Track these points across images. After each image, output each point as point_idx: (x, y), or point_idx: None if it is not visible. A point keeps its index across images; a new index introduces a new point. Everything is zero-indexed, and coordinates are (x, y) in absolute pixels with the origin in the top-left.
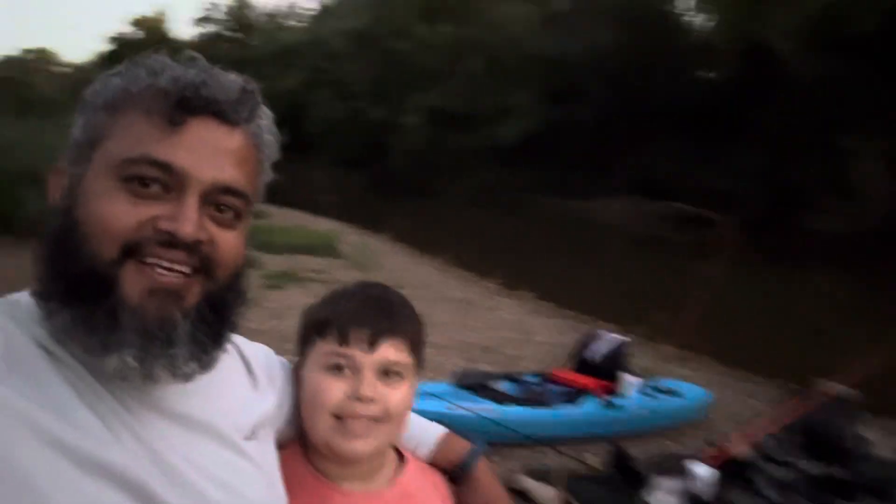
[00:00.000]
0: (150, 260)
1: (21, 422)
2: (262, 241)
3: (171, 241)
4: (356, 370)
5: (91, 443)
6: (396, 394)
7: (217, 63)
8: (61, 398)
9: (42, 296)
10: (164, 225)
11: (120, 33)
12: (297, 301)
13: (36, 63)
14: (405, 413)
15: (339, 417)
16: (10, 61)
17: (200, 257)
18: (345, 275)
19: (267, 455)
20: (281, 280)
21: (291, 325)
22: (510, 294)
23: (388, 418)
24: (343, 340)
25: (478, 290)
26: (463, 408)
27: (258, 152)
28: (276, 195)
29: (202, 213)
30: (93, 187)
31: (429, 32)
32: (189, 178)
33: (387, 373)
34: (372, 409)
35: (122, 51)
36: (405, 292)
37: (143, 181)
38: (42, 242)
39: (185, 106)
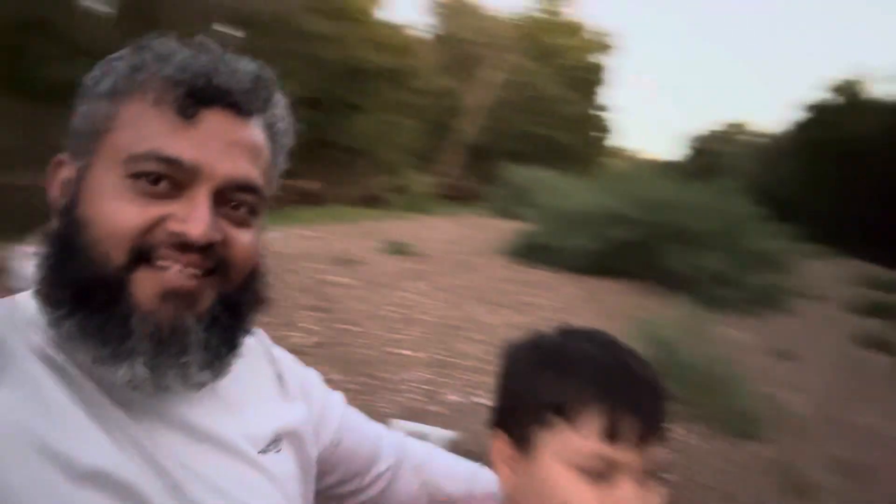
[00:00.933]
0: (161, 263)
1: (11, 431)
2: None
3: (183, 244)
4: (616, 474)
5: (87, 452)
6: (654, 501)
7: None
8: (58, 407)
9: (48, 302)
10: (175, 226)
11: (816, 100)
12: None
13: (730, 134)
14: None
15: None
16: (710, 135)
17: (214, 258)
18: None
19: (285, 468)
20: None
21: None
22: None
23: None
24: (611, 437)
25: None
26: None
27: (273, 143)
28: None
29: (216, 211)
30: (98, 184)
31: None
32: (201, 174)
33: (646, 477)
34: None
35: (820, 116)
36: None
37: (152, 178)
38: (46, 243)
39: (196, 97)
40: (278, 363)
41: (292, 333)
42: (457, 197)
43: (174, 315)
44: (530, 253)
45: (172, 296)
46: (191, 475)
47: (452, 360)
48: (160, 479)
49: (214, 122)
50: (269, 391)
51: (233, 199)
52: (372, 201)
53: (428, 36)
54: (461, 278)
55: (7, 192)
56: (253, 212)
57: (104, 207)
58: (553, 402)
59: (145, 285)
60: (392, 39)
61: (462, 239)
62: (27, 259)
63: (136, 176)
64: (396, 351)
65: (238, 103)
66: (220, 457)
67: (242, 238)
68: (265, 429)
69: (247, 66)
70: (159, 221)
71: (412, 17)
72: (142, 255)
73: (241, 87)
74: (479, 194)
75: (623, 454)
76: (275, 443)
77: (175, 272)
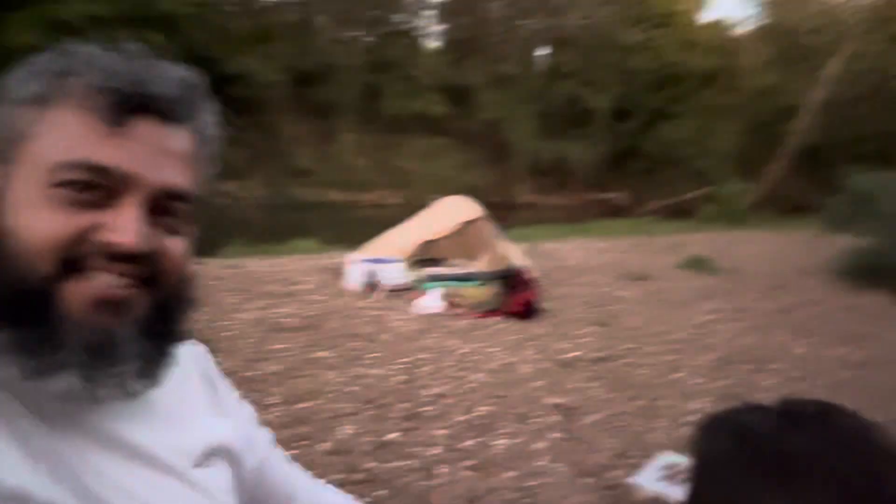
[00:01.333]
0: (92, 274)
1: None
2: None
3: (115, 254)
4: None
5: (5, 473)
6: None
7: None
8: None
9: None
10: (105, 236)
11: None
12: None
13: None
14: None
15: None
16: None
17: (147, 267)
18: None
19: (220, 483)
20: None
21: None
22: None
23: None
24: None
25: None
26: None
27: (203, 150)
28: None
29: (147, 220)
30: (21, 194)
31: None
32: (132, 182)
33: None
34: None
35: None
36: None
37: (81, 187)
38: None
39: (125, 104)
40: (215, 379)
41: (566, 345)
42: (783, 207)
43: (107, 324)
44: (867, 274)
45: (105, 304)
46: (121, 494)
47: (750, 395)
48: (85, 499)
49: (144, 129)
50: (203, 405)
51: (164, 208)
52: (682, 213)
53: (753, 30)
54: (770, 301)
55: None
56: (184, 219)
57: (29, 218)
58: None
59: (76, 295)
60: (711, 40)
61: (779, 256)
62: (355, 264)
63: (63, 185)
64: (682, 377)
65: (168, 110)
66: (152, 473)
67: (174, 246)
68: (199, 443)
69: (175, 72)
70: (88, 231)
71: (735, 12)
72: (71, 265)
73: (170, 94)
74: (811, 204)
75: None
76: (209, 458)
77: (107, 281)
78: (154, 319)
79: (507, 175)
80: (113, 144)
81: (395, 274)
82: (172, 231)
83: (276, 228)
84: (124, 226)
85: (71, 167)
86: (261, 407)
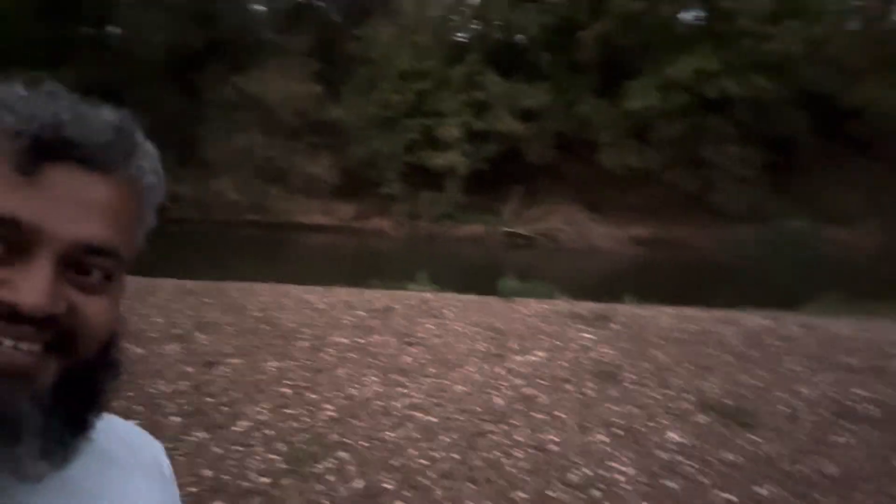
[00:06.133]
0: None
1: None
2: None
3: (14, 315)
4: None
5: None
6: None
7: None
8: None
9: None
10: (6, 295)
11: None
12: None
13: None
14: None
15: None
16: None
17: (55, 331)
18: None
19: None
20: None
21: None
22: None
23: None
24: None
25: None
26: None
27: (136, 200)
28: None
29: (61, 277)
30: None
31: None
32: (41, 236)
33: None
34: None
35: None
36: None
37: None
38: None
39: (40, 150)
40: (169, 482)
41: None
42: None
43: (3, 397)
44: None
45: (2, 376)
46: None
47: None
48: None
49: (61, 178)
50: (146, 490)
51: (82, 264)
52: None
53: None
54: None
55: None
56: (107, 276)
57: None
58: None
59: None
60: None
61: None
62: None
63: None
64: None
65: (92, 158)
66: None
67: (93, 306)
68: None
69: (105, 115)
70: None
71: None
72: None
73: (95, 140)
74: None
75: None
76: None
77: (7, 348)
78: (64, 390)
79: None
80: (22, 194)
81: None
82: (91, 291)
83: (885, 284)
84: (29, 285)
85: None
86: None
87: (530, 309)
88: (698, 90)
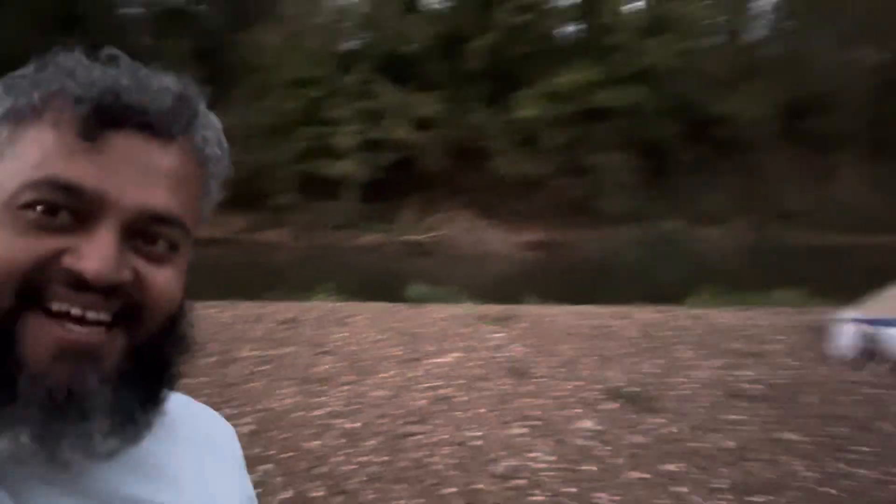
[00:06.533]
0: (56, 306)
1: None
2: None
3: (80, 282)
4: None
5: None
6: None
7: None
8: None
9: None
10: (71, 262)
11: None
12: None
13: None
14: None
15: None
16: None
17: (123, 301)
18: None
19: None
20: None
21: None
22: None
23: None
24: None
25: None
26: None
27: (201, 170)
28: None
29: (126, 245)
30: None
31: None
32: (107, 203)
33: None
34: None
35: None
36: None
37: (48, 209)
38: None
39: (101, 116)
40: (241, 466)
41: None
42: None
43: (72, 375)
44: None
45: (71, 353)
46: None
47: None
48: None
49: (124, 145)
50: (217, 471)
51: (148, 233)
52: None
53: None
54: None
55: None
56: (174, 247)
57: None
58: None
59: (38, 338)
60: None
61: None
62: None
63: (29, 206)
64: None
65: (155, 124)
66: None
67: (159, 277)
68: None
69: (167, 82)
70: (53, 257)
71: None
72: (32, 295)
73: (157, 106)
74: None
75: None
76: None
77: (74, 321)
78: (133, 365)
79: None
80: (86, 160)
81: None
82: (157, 260)
83: (756, 276)
84: (95, 252)
85: (38, 186)
86: (705, 492)
87: (440, 313)
88: (582, 100)
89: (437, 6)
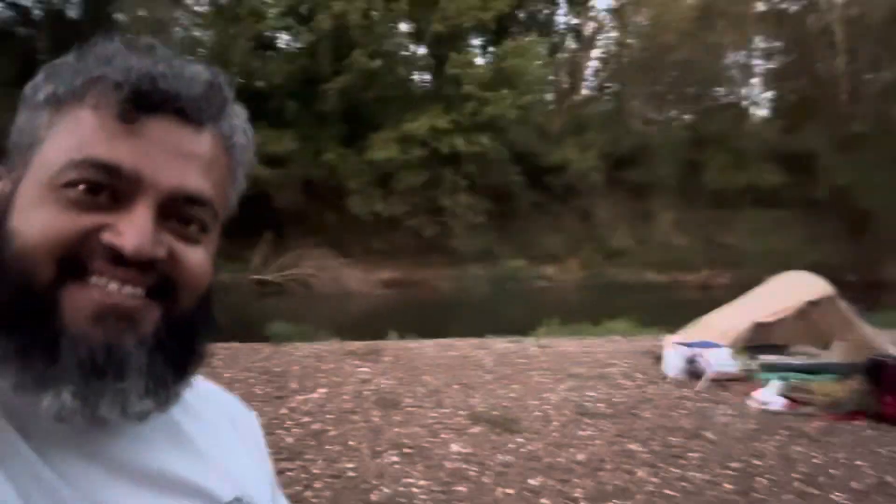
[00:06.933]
0: (94, 280)
1: None
2: None
3: (119, 257)
4: None
5: None
6: None
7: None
8: None
9: None
10: (110, 238)
11: None
12: None
13: None
14: None
15: None
16: None
17: (158, 276)
18: None
19: None
20: None
21: None
22: None
23: None
24: None
25: None
26: None
27: (228, 157)
28: None
29: (161, 225)
30: (28, 195)
31: None
32: (143, 183)
33: None
34: None
35: None
36: None
37: (88, 188)
38: None
39: (139, 101)
40: (263, 451)
41: None
42: None
43: (110, 336)
44: None
45: (109, 315)
46: None
47: None
48: None
49: (159, 129)
50: (244, 463)
51: (181, 214)
52: None
53: None
54: None
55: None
56: (204, 228)
57: (31, 218)
58: None
59: (78, 303)
60: None
61: None
62: (673, 349)
63: (70, 185)
64: None
65: (188, 110)
66: (177, 501)
67: (192, 256)
68: (230, 489)
69: (199, 71)
70: (92, 232)
71: None
72: (72, 268)
73: (190, 93)
74: None
75: None
76: (239, 498)
77: (112, 289)
78: (165, 337)
79: (866, 250)
80: (124, 142)
81: (722, 361)
82: (190, 240)
83: (592, 310)
84: (132, 229)
85: (78, 166)
86: (566, 502)
87: (304, 350)
88: (433, 145)
89: (291, 45)
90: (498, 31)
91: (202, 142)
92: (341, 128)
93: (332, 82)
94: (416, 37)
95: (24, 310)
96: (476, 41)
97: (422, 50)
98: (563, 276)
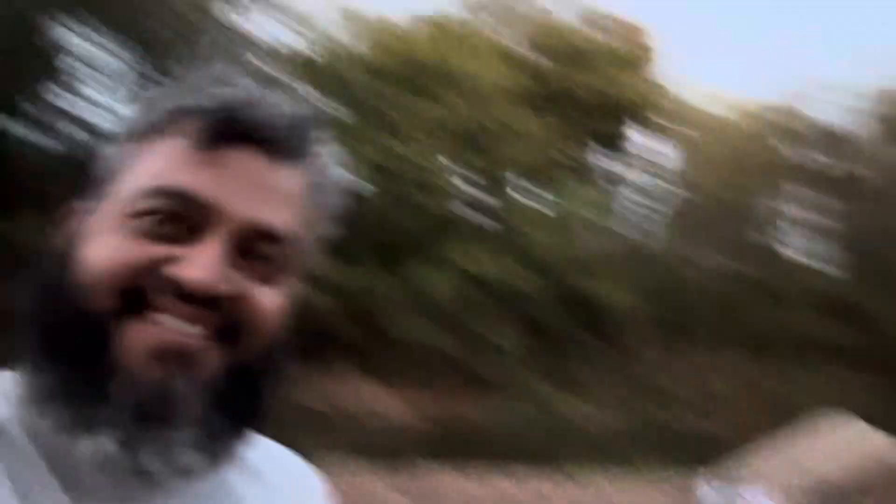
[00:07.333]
0: (155, 315)
1: None
2: None
3: (183, 291)
4: None
5: None
6: None
7: None
8: None
9: (20, 359)
10: (173, 269)
11: None
12: None
13: None
14: None
15: None
16: None
17: (224, 317)
18: None
19: None
20: None
21: None
22: None
23: None
24: None
25: None
26: None
27: (308, 196)
28: None
29: (233, 261)
30: (100, 225)
31: None
32: (217, 213)
33: None
34: None
35: None
36: None
37: (160, 218)
38: (31, 294)
39: (219, 130)
40: (290, 471)
41: None
42: None
43: (166, 378)
44: None
45: (167, 354)
46: None
47: None
48: None
49: (239, 160)
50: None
51: (256, 251)
52: None
53: None
54: None
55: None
56: (280, 268)
57: (98, 246)
58: None
59: (135, 339)
60: None
61: None
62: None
63: (141, 214)
64: None
65: (271, 143)
66: None
67: (265, 297)
68: None
69: (283, 105)
70: (159, 263)
71: None
72: (134, 301)
73: (275, 126)
74: None
75: None
76: None
77: (174, 326)
78: (226, 385)
79: None
80: (201, 171)
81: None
82: (263, 279)
83: (626, 450)
84: (197, 259)
85: (151, 195)
86: None
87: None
88: (479, 279)
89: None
90: (554, 176)
91: (282, 177)
92: (383, 254)
93: (375, 209)
94: (472, 176)
95: (78, 340)
96: (532, 184)
97: (476, 190)
98: (597, 413)
